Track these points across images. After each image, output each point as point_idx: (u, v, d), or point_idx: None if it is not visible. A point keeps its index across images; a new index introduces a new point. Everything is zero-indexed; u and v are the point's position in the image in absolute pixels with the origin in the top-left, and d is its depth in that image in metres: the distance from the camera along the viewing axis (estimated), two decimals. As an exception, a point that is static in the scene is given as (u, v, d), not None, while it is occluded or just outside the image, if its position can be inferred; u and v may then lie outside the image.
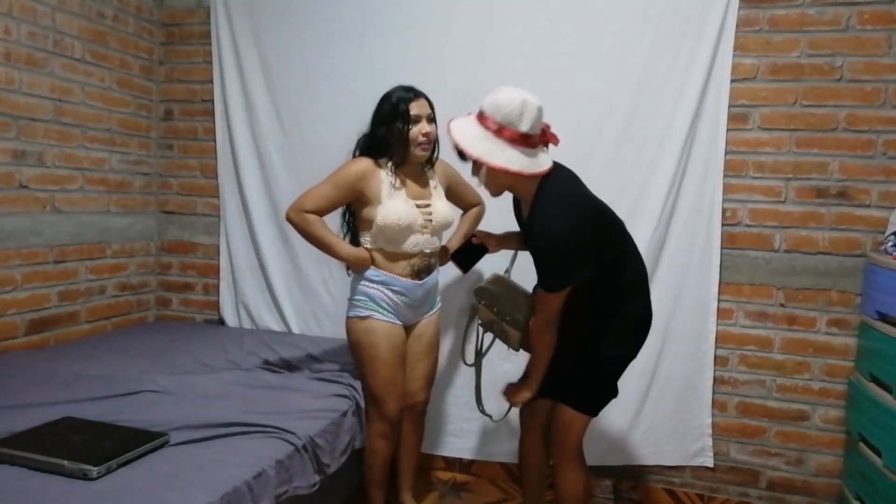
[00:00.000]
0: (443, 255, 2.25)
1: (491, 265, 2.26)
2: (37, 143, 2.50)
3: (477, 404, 2.20)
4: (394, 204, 2.04)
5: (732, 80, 2.46)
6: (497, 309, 2.07)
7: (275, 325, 2.98)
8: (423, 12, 2.70)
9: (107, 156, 2.85)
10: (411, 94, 2.08)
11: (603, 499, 2.69)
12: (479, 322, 2.16)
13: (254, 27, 2.90)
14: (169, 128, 3.14)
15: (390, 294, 2.11)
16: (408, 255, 2.10)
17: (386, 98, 2.10)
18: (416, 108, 2.06)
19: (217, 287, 3.09)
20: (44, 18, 2.50)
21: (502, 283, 2.14)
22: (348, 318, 2.16)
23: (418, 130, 2.06)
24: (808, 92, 2.42)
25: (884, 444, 2.05)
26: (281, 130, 2.90)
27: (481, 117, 1.75)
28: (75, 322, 2.72)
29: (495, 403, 2.18)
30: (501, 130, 1.72)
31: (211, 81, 3.03)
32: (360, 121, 2.75)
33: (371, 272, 2.11)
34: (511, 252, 2.22)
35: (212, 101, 3.03)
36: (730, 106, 2.47)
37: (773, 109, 2.46)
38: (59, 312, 2.64)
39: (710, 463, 2.57)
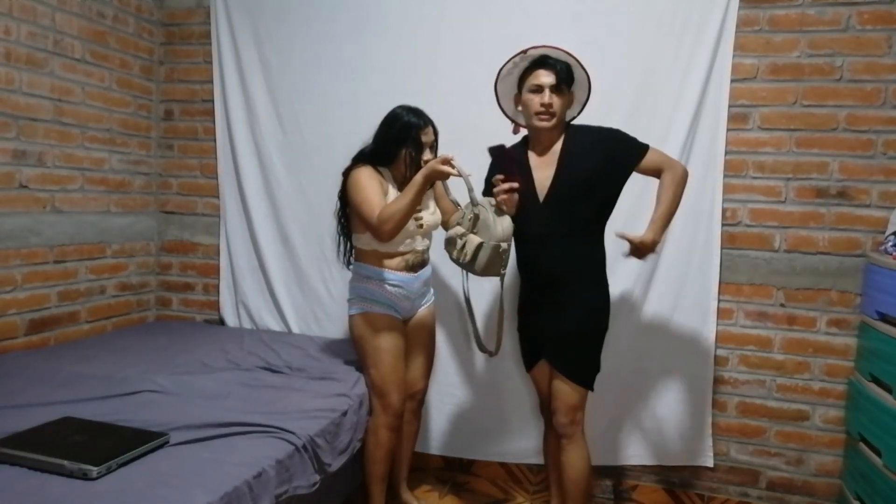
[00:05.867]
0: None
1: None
2: (37, 143, 2.50)
3: (476, 342, 2.17)
4: None
5: (732, 80, 2.46)
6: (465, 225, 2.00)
7: (275, 325, 2.98)
8: (421, 12, 2.70)
9: (107, 156, 2.85)
10: (421, 121, 2.15)
11: (603, 499, 2.68)
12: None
13: (254, 27, 2.90)
14: (169, 128, 3.14)
15: (388, 288, 2.19)
16: (401, 253, 2.19)
17: (394, 119, 2.16)
18: (424, 136, 2.15)
19: (217, 287, 3.09)
20: (44, 18, 2.50)
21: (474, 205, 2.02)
22: (350, 316, 2.25)
23: (421, 157, 2.14)
24: (808, 92, 2.42)
25: (884, 444, 2.05)
26: (281, 130, 2.90)
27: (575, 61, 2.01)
28: (75, 322, 2.72)
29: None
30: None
31: (211, 81, 3.03)
32: (359, 120, 2.74)
33: (368, 270, 2.20)
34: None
35: (212, 101, 3.03)
36: (730, 106, 2.47)
37: (773, 109, 2.46)
38: (59, 312, 2.64)
39: (710, 463, 2.57)
